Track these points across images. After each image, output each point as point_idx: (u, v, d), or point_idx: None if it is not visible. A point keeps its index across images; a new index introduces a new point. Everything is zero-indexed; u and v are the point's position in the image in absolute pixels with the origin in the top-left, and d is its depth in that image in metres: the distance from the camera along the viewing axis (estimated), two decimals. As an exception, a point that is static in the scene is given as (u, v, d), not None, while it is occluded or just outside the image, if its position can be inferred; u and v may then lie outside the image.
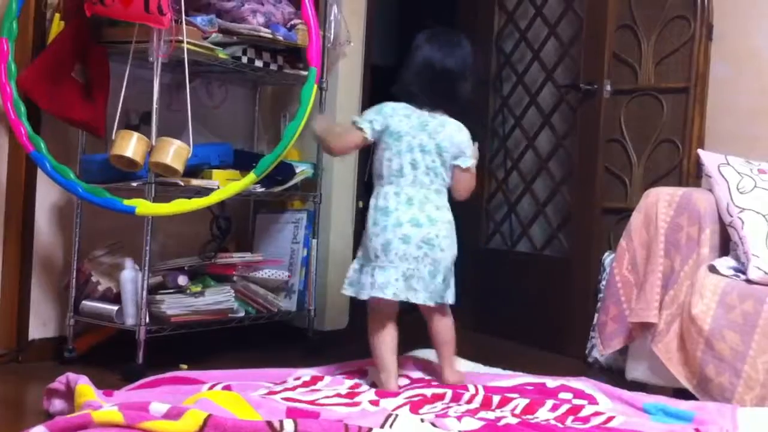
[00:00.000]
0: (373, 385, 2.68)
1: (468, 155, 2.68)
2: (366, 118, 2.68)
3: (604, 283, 3.26)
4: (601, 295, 3.25)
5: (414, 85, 2.67)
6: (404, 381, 2.73)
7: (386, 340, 2.64)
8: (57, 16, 2.87)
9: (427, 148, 2.63)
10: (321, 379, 2.68)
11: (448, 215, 2.66)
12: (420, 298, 2.59)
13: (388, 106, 2.68)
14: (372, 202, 2.68)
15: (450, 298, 2.68)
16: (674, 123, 3.48)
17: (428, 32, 2.71)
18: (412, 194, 2.62)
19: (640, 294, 2.87)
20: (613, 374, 3.17)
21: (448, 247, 2.63)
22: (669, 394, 2.70)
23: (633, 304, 2.90)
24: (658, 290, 2.81)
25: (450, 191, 2.71)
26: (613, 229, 3.56)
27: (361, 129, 2.66)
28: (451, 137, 2.65)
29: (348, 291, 2.68)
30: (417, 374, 2.84)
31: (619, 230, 3.14)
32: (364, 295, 2.63)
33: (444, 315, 2.73)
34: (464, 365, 2.99)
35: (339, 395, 2.51)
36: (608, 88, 3.54)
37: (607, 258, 3.42)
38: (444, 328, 2.73)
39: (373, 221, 2.63)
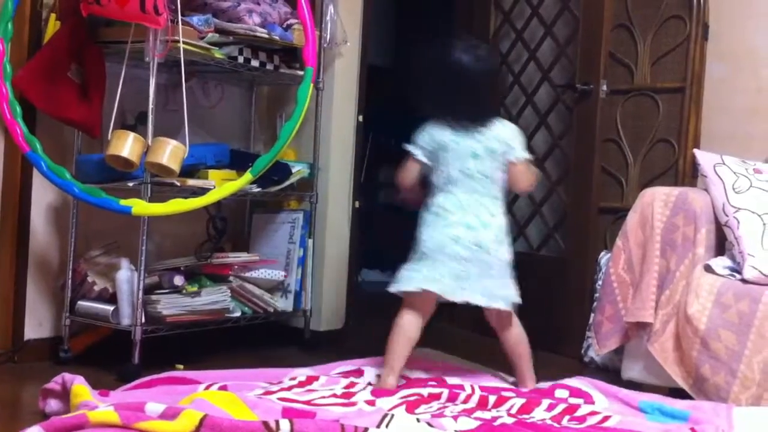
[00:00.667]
0: (369, 384, 2.68)
1: (517, 148, 2.68)
2: (415, 143, 2.72)
3: (600, 282, 3.26)
4: (597, 295, 3.25)
5: (447, 100, 2.66)
6: (400, 381, 2.73)
7: (407, 330, 2.64)
8: (53, 16, 2.87)
9: (478, 153, 2.64)
10: (317, 379, 2.68)
11: (501, 220, 2.68)
12: (475, 298, 2.61)
13: (431, 124, 2.71)
14: (426, 210, 2.68)
15: (512, 297, 2.68)
16: (670, 123, 3.49)
17: (460, 43, 2.70)
18: (466, 200, 2.63)
19: (636, 294, 2.87)
20: (609, 374, 3.17)
21: (495, 251, 2.64)
22: (665, 394, 2.69)
23: (629, 304, 2.90)
24: (654, 290, 2.82)
25: (511, 189, 2.73)
26: (610, 229, 3.56)
27: (412, 155, 2.71)
28: (497, 136, 2.67)
29: (402, 286, 2.62)
30: (414, 374, 2.83)
31: (616, 230, 3.14)
32: (411, 286, 2.60)
33: (511, 325, 2.74)
34: (461, 364, 2.99)
35: (335, 395, 2.51)
36: (604, 88, 3.54)
37: (603, 258, 3.42)
38: (516, 339, 2.75)
39: (426, 224, 2.65)
